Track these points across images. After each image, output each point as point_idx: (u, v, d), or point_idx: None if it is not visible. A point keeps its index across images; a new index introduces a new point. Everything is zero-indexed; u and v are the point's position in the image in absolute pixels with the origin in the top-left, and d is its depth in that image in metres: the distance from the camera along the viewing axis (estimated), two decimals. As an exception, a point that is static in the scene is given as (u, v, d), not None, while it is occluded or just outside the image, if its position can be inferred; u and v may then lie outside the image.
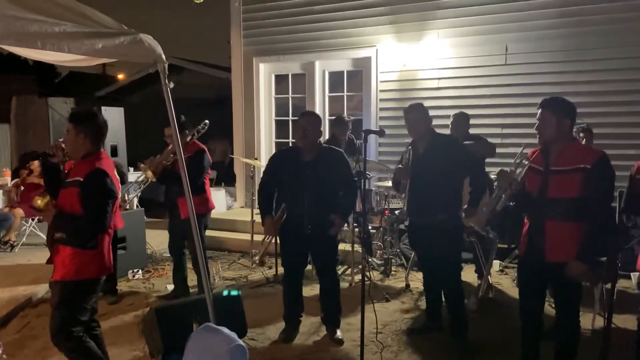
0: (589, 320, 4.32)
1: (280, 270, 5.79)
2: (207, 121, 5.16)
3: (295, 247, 4.17)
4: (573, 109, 3.18)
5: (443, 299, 4.23)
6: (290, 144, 6.31)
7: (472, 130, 5.47)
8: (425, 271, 4.52)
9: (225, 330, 2.77)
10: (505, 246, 5.97)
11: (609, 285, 3.94)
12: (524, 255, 3.33)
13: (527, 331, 3.41)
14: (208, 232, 7.42)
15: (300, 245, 4.14)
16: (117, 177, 3.27)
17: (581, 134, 4.74)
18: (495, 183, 3.38)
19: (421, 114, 4.04)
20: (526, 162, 3.27)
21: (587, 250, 3.01)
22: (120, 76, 20.68)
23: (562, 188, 3.05)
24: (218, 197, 8.67)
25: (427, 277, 4.44)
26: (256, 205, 7.48)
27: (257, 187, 7.28)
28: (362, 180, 3.78)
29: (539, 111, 3.18)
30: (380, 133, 3.80)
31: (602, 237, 3.07)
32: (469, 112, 5.60)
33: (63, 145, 3.22)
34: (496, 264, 5.97)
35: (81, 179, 3.03)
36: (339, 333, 4.21)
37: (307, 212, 3.98)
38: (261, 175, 4.34)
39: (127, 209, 6.16)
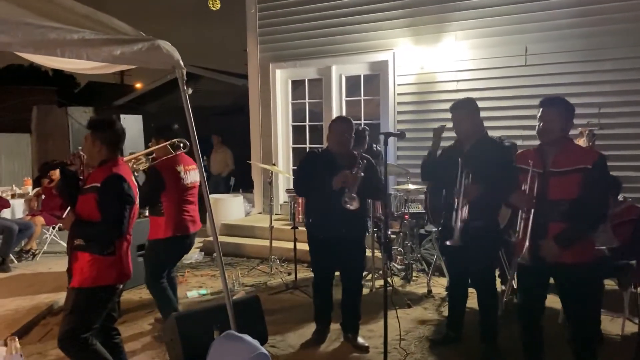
0: (618, 326, 4.20)
1: (300, 276, 5.77)
2: (186, 141, 4.32)
3: (328, 252, 4.09)
4: (574, 109, 3.18)
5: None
6: (320, 148, 6.00)
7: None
8: (453, 279, 4.27)
9: (248, 337, 2.74)
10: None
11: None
12: (528, 257, 3.15)
13: (527, 334, 3.34)
14: (227, 239, 7.46)
15: (332, 250, 4.06)
16: (135, 182, 3.26)
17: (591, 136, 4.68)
18: None
19: (468, 111, 3.81)
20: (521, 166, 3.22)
21: (567, 237, 3.01)
22: (138, 85, 20.91)
23: (563, 189, 3.04)
24: (236, 203, 8.68)
25: (454, 286, 4.24)
26: (275, 211, 7.49)
27: (274, 192, 7.34)
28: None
29: (542, 110, 3.14)
30: (401, 135, 3.73)
31: (590, 233, 3.12)
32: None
33: (82, 153, 3.23)
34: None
35: (98, 185, 3.03)
36: (361, 339, 4.15)
37: (342, 217, 3.88)
38: (293, 174, 4.20)
39: (146, 217, 6.16)
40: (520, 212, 3.22)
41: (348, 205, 3.76)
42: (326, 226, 4.00)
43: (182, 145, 4.37)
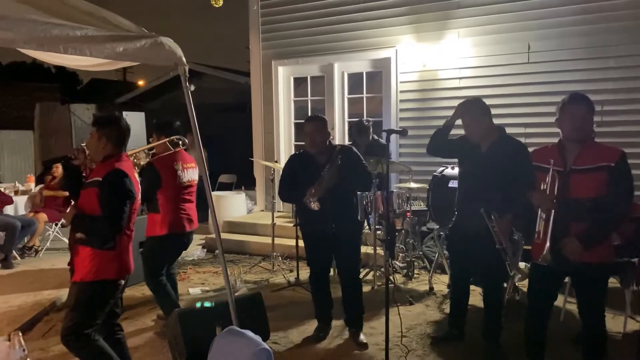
0: (620, 324, 4.20)
1: (302, 273, 5.78)
2: (184, 139, 4.39)
3: (320, 248, 4.15)
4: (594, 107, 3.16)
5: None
6: (302, 149, 6.18)
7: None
8: (458, 278, 4.20)
9: (250, 333, 2.74)
10: (531, 248, 5.83)
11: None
12: (550, 258, 3.09)
13: (532, 335, 3.32)
14: (229, 236, 7.48)
15: (324, 245, 4.11)
16: (137, 179, 3.27)
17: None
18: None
19: (475, 113, 3.73)
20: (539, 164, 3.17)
21: (592, 237, 2.96)
22: (141, 82, 20.91)
23: (585, 187, 2.97)
24: (238, 200, 8.69)
25: (456, 284, 4.21)
26: (277, 208, 7.50)
27: (276, 190, 7.36)
28: (385, 181, 3.71)
29: (573, 107, 3.05)
30: (403, 133, 3.72)
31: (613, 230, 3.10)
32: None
33: (85, 147, 3.24)
34: (522, 266, 5.84)
35: (100, 179, 3.05)
36: (362, 337, 4.16)
37: (329, 213, 3.93)
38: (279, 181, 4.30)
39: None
40: (539, 212, 3.11)
41: (311, 205, 3.84)
42: (315, 223, 4.07)
43: (180, 142, 4.36)
